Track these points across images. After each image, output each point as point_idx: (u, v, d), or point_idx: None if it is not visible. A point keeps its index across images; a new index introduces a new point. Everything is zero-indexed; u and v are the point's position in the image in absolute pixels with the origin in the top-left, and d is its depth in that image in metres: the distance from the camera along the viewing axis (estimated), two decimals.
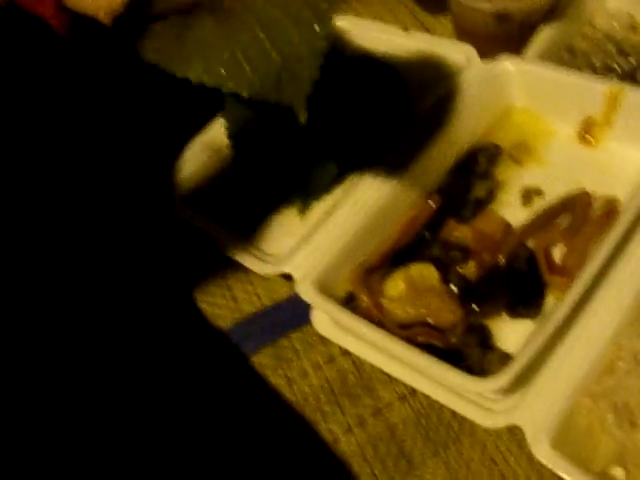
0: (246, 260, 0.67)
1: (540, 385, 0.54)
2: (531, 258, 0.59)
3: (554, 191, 0.65)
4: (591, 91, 0.66)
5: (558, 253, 0.60)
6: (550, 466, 0.51)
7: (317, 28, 0.49)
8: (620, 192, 0.62)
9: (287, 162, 0.68)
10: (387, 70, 0.71)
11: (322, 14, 0.50)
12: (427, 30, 0.77)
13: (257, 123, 0.70)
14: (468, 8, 0.72)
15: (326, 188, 0.67)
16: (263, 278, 0.66)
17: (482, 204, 0.65)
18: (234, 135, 0.69)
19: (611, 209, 0.61)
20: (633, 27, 0.77)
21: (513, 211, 0.64)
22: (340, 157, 0.67)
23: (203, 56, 0.50)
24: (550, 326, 0.53)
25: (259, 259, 0.66)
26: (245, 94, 0.49)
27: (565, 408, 0.52)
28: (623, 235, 0.57)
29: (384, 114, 0.69)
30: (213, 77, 0.50)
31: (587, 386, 0.53)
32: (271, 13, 0.51)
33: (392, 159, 0.66)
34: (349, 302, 0.61)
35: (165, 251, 0.71)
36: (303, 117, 0.48)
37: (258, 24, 0.51)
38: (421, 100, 0.71)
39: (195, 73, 0.50)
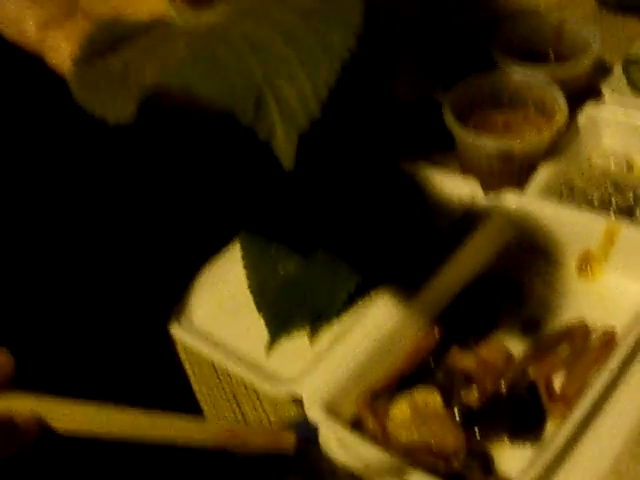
0: (255, 381, 0.69)
1: None
2: (532, 386, 0.62)
3: (554, 321, 0.67)
4: (590, 227, 0.70)
5: (558, 382, 0.63)
6: None
7: (324, 59, 0.42)
8: (618, 323, 0.65)
9: (299, 287, 0.71)
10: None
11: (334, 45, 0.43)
12: (434, 164, 0.81)
13: (272, 249, 0.74)
14: (473, 146, 0.77)
15: (337, 313, 0.70)
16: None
17: (485, 333, 0.67)
18: (250, 263, 0.73)
19: (609, 340, 0.64)
20: (629, 165, 0.82)
21: (515, 340, 0.67)
22: (355, 277, 0.70)
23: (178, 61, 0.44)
24: (550, 452, 0.55)
25: (269, 380, 0.69)
26: (214, 101, 0.42)
27: None
28: (621, 365, 0.60)
29: (402, 234, 0.73)
30: (181, 78, 0.43)
31: None
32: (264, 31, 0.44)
33: (400, 287, 0.69)
34: (356, 424, 0.63)
35: (171, 367, 0.73)
36: (288, 162, 0.41)
37: (244, 39, 0.44)
38: (427, 230, 0.74)
39: (165, 76, 0.43)
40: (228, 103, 0.41)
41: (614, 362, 0.60)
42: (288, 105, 0.41)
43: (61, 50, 0.53)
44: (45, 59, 0.54)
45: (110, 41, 0.52)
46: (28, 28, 0.53)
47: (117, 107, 0.44)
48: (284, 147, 0.40)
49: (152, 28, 0.52)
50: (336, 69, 0.41)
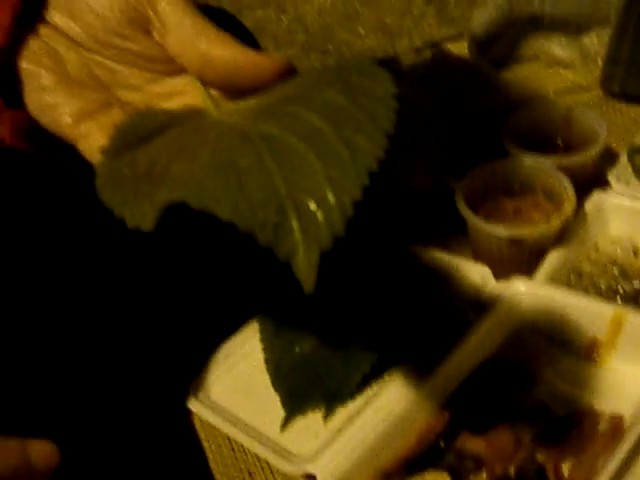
0: (270, 457, 0.71)
1: None
2: (540, 471, 0.63)
3: (561, 407, 0.69)
4: (598, 314, 0.72)
5: (566, 467, 0.64)
6: None
7: (352, 169, 0.40)
8: (625, 410, 0.67)
9: (315, 367, 0.73)
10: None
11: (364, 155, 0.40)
12: (447, 249, 0.83)
13: (289, 328, 0.76)
14: (485, 233, 0.80)
15: (351, 394, 0.72)
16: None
17: (495, 417, 0.69)
18: (267, 341, 0.76)
19: (617, 427, 0.66)
20: (635, 252, 0.84)
21: (523, 425, 0.68)
22: (369, 359, 0.72)
23: (192, 175, 0.42)
24: None
25: (283, 457, 0.70)
26: (234, 221, 0.39)
27: None
28: (629, 453, 0.62)
29: (415, 318, 0.76)
30: (198, 195, 0.40)
31: None
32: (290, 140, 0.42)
33: (412, 370, 0.71)
34: None
35: (188, 441, 0.75)
36: (308, 285, 0.38)
37: (268, 149, 0.42)
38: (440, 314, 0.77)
39: (179, 193, 0.41)
40: (247, 223, 0.39)
41: (622, 450, 0.62)
42: (311, 224, 0.39)
43: (93, 140, 0.53)
44: (78, 148, 0.54)
45: (141, 133, 0.50)
46: (63, 118, 0.53)
47: (137, 211, 0.43)
48: (305, 269, 0.38)
49: (185, 118, 0.51)
50: (363, 183, 0.39)
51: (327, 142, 0.41)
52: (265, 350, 0.77)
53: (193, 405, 0.76)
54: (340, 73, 0.45)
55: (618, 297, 0.79)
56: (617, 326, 0.72)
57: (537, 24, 1.14)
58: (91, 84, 0.54)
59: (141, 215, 0.42)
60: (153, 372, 0.76)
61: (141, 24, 0.51)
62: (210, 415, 0.75)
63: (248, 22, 1.09)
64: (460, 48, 1.19)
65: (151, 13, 0.51)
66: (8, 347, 0.64)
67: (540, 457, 0.65)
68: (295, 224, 0.39)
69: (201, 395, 0.77)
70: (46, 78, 0.53)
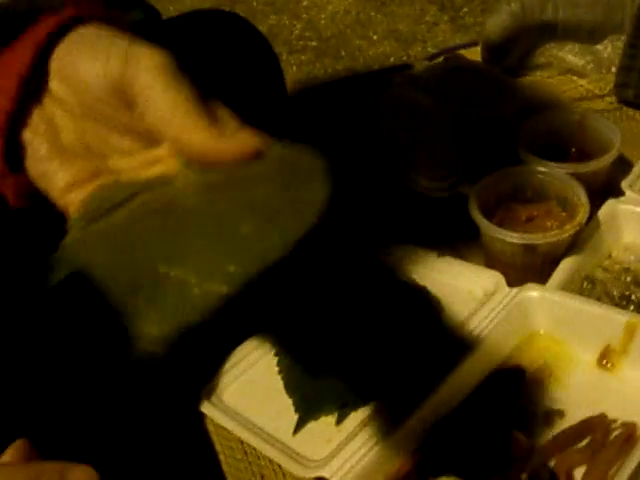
0: (283, 461, 0.71)
1: None
2: (553, 478, 0.63)
3: (574, 414, 0.69)
4: (611, 321, 0.72)
5: (579, 475, 0.64)
6: None
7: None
8: (638, 417, 0.67)
9: (328, 373, 0.73)
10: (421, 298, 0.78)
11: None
12: (459, 255, 0.84)
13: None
14: (498, 239, 0.80)
15: (364, 400, 0.72)
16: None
17: (507, 426, 0.69)
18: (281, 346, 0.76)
19: (630, 434, 0.66)
20: None
21: (535, 432, 0.69)
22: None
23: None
24: None
25: (295, 461, 0.71)
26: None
27: None
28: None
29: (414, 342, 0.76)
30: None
31: None
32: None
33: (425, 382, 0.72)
34: None
35: (202, 445, 0.75)
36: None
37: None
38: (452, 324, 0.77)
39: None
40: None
41: (635, 456, 0.62)
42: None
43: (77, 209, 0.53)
44: (67, 215, 0.54)
45: (109, 203, 0.52)
46: (55, 186, 0.54)
47: None
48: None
49: (152, 187, 0.53)
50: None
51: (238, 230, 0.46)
52: (279, 354, 0.77)
53: (206, 408, 0.77)
54: (282, 167, 0.49)
55: (631, 305, 0.79)
56: (630, 334, 0.72)
57: (550, 31, 1.14)
58: (83, 153, 0.54)
59: None
60: (167, 377, 0.77)
61: (123, 96, 0.51)
62: (223, 418, 0.76)
63: (262, 28, 1.10)
64: (474, 55, 1.20)
65: (132, 86, 0.50)
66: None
67: (552, 464, 0.65)
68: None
69: (214, 399, 0.78)
70: (42, 147, 0.54)
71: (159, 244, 0.48)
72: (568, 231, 0.80)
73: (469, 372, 0.72)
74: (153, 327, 0.45)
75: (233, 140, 0.49)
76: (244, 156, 0.48)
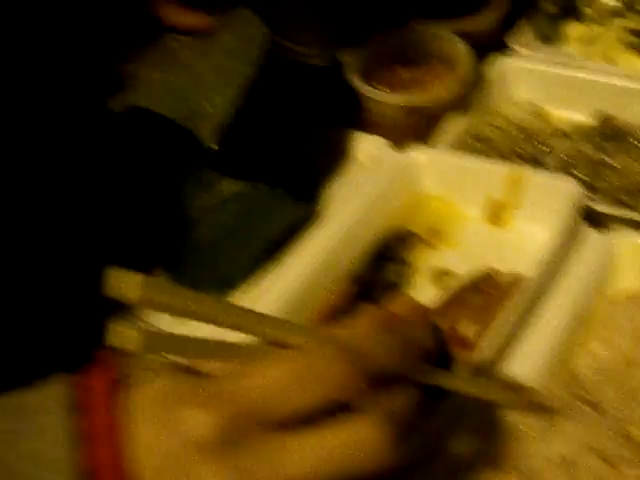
0: None
1: None
2: (440, 335, 0.62)
3: (464, 271, 0.67)
4: (494, 175, 0.70)
5: (467, 329, 0.63)
6: None
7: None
8: (526, 269, 0.66)
9: (207, 255, 0.70)
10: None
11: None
12: (341, 123, 0.80)
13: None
14: (379, 102, 0.77)
15: (243, 279, 0.69)
16: None
17: (394, 287, 0.67)
18: None
19: (517, 285, 0.64)
20: (537, 114, 0.82)
21: (425, 292, 0.67)
22: (258, 243, 0.70)
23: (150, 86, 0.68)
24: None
25: None
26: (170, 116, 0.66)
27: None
28: (523, 307, 0.61)
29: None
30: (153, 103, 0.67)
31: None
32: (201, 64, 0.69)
33: (308, 245, 0.69)
34: None
35: None
36: (212, 144, 0.65)
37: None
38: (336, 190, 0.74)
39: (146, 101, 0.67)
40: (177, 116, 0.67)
41: (517, 304, 0.61)
42: (206, 114, 0.67)
43: None
44: None
45: None
46: None
47: None
48: (207, 136, 0.66)
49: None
50: (239, 93, 0.67)
51: (218, 70, 0.70)
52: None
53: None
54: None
55: (521, 159, 0.77)
56: (516, 186, 0.70)
57: None
58: None
59: None
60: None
61: None
62: None
63: None
64: None
65: None
66: None
67: (442, 322, 0.63)
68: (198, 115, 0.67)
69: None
70: None
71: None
72: (451, 88, 0.77)
73: (358, 238, 0.70)
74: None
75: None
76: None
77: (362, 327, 0.44)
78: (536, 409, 0.57)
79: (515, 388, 0.58)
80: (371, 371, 0.40)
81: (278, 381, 0.38)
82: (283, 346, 0.41)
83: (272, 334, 0.42)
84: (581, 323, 0.63)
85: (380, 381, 0.41)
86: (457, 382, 0.52)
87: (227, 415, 0.37)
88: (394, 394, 0.42)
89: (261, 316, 0.42)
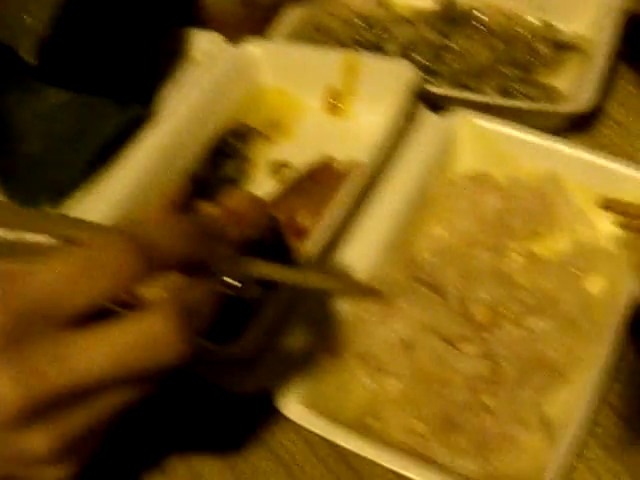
0: None
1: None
2: (276, 227, 0.61)
3: (303, 163, 0.66)
4: (328, 62, 0.69)
5: (305, 220, 0.62)
6: (300, 422, 0.52)
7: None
8: (364, 155, 0.64)
9: (41, 166, 0.67)
10: None
11: None
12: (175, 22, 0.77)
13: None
14: None
15: (77, 184, 0.66)
16: None
17: (233, 183, 0.65)
18: None
19: (353, 171, 0.63)
20: (378, 2, 0.80)
21: (264, 186, 0.65)
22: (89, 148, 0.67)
23: None
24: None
25: None
26: None
27: (314, 369, 0.54)
28: (355, 189, 0.60)
29: None
30: None
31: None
32: None
33: (141, 146, 0.66)
34: None
35: None
36: (30, 59, 0.63)
37: None
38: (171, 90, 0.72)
39: None
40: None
41: (349, 188, 0.60)
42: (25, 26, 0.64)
43: None
44: None
45: None
46: None
47: None
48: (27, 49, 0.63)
49: None
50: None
51: None
52: None
53: None
54: None
55: (361, 47, 0.75)
56: (352, 72, 0.68)
57: None
58: None
59: None
60: None
61: None
62: None
63: None
64: None
65: None
66: None
67: (280, 214, 0.62)
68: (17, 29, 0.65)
69: None
70: None
71: None
72: None
73: (194, 135, 0.67)
74: None
75: None
76: None
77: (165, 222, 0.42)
78: (370, 294, 0.56)
79: (347, 276, 0.58)
80: (161, 258, 0.38)
81: (63, 276, 0.36)
82: (73, 243, 0.40)
83: (63, 232, 0.40)
84: (421, 206, 0.62)
85: (176, 269, 0.40)
86: (288, 273, 0.51)
87: (10, 312, 0.35)
88: (192, 285, 0.40)
89: (48, 215, 0.41)
